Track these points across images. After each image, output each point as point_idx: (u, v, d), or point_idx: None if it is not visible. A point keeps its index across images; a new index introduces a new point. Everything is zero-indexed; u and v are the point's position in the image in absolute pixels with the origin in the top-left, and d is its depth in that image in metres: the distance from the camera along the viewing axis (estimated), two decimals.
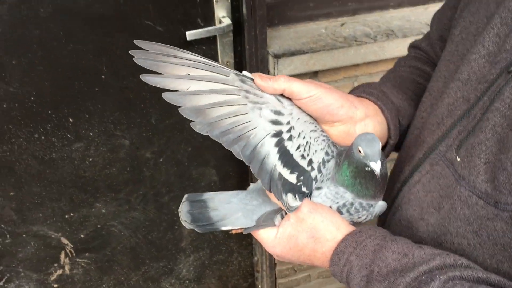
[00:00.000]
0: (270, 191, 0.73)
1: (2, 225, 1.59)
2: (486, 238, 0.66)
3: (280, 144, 0.73)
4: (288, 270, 2.11)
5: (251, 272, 2.11)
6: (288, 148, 0.73)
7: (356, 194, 0.75)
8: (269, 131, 0.73)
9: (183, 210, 0.80)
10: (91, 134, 1.55)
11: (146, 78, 0.69)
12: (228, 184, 1.81)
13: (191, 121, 0.70)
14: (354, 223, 0.78)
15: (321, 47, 1.61)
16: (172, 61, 0.70)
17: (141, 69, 1.60)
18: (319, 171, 0.75)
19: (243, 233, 0.81)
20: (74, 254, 1.74)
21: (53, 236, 1.67)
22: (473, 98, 0.71)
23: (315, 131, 0.76)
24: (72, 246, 1.72)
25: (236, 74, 0.73)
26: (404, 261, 0.66)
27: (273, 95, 0.74)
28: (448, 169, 0.71)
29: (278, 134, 0.73)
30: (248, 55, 1.54)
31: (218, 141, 0.71)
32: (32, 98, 1.44)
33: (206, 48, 1.53)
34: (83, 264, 1.78)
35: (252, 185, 0.84)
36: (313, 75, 1.67)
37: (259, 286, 2.15)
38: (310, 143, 0.75)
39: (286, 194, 0.73)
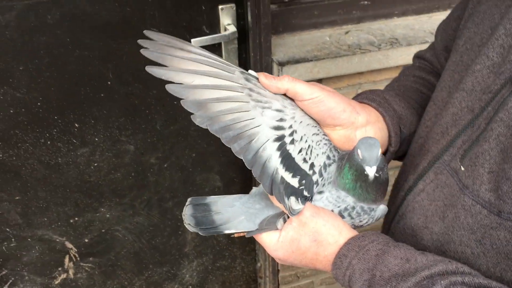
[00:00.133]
0: (271, 194, 0.73)
1: (8, 229, 1.60)
2: (489, 247, 0.67)
3: (282, 148, 0.73)
4: (291, 277, 2.11)
5: (254, 278, 2.11)
6: (290, 151, 0.74)
7: (357, 198, 0.75)
8: (271, 136, 0.73)
9: (187, 213, 0.81)
10: (96, 139, 1.56)
11: (152, 70, 0.69)
12: (232, 190, 1.82)
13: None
14: (355, 227, 0.78)
15: (325, 55, 1.62)
16: (178, 54, 0.70)
17: (146, 74, 1.62)
18: (320, 175, 0.76)
19: (246, 236, 0.81)
20: (78, 258, 1.75)
21: (57, 240, 1.69)
22: (477, 108, 0.72)
23: (318, 134, 0.77)
24: (76, 250, 1.73)
25: (241, 72, 0.73)
26: (406, 266, 0.66)
27: (277, 94, 0.74)
28: (453, 178, 0.72)
29: (280, 138, 0.73)
30: (253, 63, 1.55)
31: (217, 135, 0.71)
32: (39, 104, 1.45)
33: None
34: (87, 269, 1.79)
35: (254, 189, 0.84)
36: (317, 82, 1.68)
37: None
38: (312, 146, 0.76)
39: (288, 198, 0.73)
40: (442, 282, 0.63)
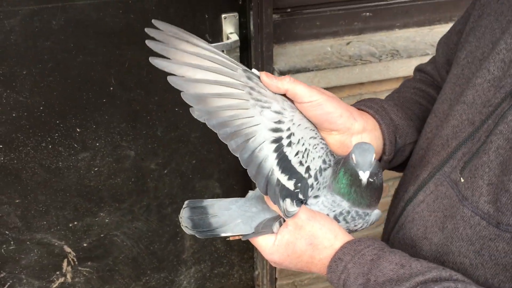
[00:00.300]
0: (266, 194, 0.74)
1: (7, 232, 1.61)
2: (488, 258, 0.67)
3: (279, 150, 0.74)
4: (289, 285, 2.11)
5: (252, 285, 2.12)
6: (287, 154, 0.74)
7: (352, 203, 0.76)
8: (268, 137, 0.73)
9: (184, 216, 0.81)
10: (97, 144, 1.57)
11: (155, 61, 0.69)
12: (231, 197, 1.82)
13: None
14: (350, 231, 0.79)
15: (326, 65, 1.63)
16: (183, 47, 0.71)
17: (149, 81, 1.62)
18: (316, 178, 0.76)
19: (242, 239, 0.81)
20: (76, 263, 1.75)
21: (56, 244, 1.69)
22: (477, 121, 0.73)
23: (315, 138, 0.77)
24: (74, 254, 1.73)
25: (244, 70, 0.73)
26: (401, 272, 0.67)
27: (276, 95, 0.75)
28: (452, 190, 0.73)
29: (277, 140, 0.74)
30: None
31: (214, 130, 0.71)
32: (41, 108, 1.46)
33: None
34: (84, 273, 1.79)
35: (251, 192, 0.84)
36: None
37: None
38: (309, 150, 0.76)
39: (283, 200, 0.74)
40: (435, 287, 0.64)
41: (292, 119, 0.75)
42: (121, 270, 1.83)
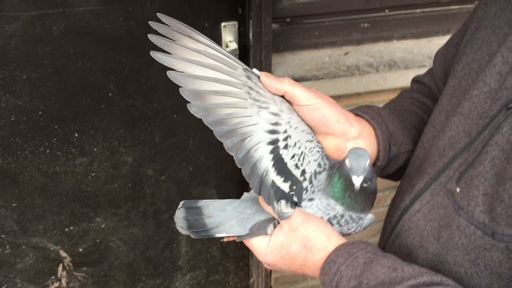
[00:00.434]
0: (259, 194, 0.74)
1: (3, 236, 1.61)
2: (483, 268, 0.68)
3: (275, 152, 0.74)
4: None
5: None
6: (283, 156, 0.75)
7: (346, 207, 0.76)
8: (265, 138, 0.74)
9: (179, 216, 0.81)
10: (95, 149, 1.58)
11: (156, 55, 0.70)
12: None
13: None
14: (343, 235, 0.79)
15: (324, 75, 1.64)
16: (184, 43, 0.71)
17: (148, 88, 1.63)
18: (310, 182, 0.77)
19: (236, 240, 0.82)
20: (71, 268, 1.75)
21: (52, 248, 1.69)
22: (474, 132, 0.74)
23: (311, 141, 0.78)
24: (70, 259, 1.73)
25: (244, 70, 0.74)
26: (393, 275, 0.68)
27: (275, 96, 0.75)
28: (448, 200, 0.74)
29: (274, 141, 0.74)
30: None
31: (210, 127, 0.72)
32: (40, 112, 1.47)
33: None
34: (80, 278, 1.79)
35: (245, 194, 0.85)
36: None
37: None
38: (305, 153, 0.76)
39: (277, 201, 0.74)
40: None
41: (289, 122, 0.76)
42: (116, 275, 1.83)
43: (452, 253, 0.71)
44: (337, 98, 1.71)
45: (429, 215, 0.76)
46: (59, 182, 1.59)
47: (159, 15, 0.70)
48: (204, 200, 0.83)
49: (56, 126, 1.50)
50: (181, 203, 0.83)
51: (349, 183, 0.73)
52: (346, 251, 0.73)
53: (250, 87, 0.73)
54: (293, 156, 0.75)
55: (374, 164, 0.87)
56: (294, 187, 0.75)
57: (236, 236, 0.81)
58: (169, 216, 1.78)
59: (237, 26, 1.53)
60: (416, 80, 1.05)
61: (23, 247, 1.65)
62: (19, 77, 1.40)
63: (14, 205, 1.57)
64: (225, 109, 0.72)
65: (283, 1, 1.70)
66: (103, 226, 1.71)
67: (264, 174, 0.73)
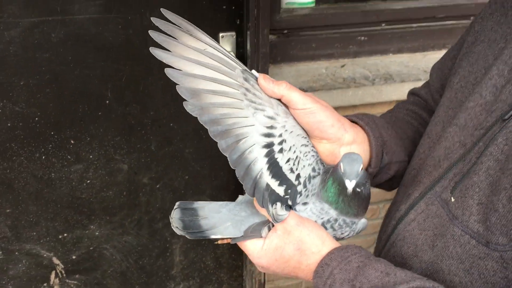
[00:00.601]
0: (252, 196, 0.74)
1: None
2: (477, 277, 0.68)
3: (270, 155, 0.74)
4: None
5: None
6: (278, 160, 0.75)
7: (340, 211, 0.77)
8: (260, 141, 0.74)
9: (175, 217, 0.82)
10: (91, 156, 1.58)
11: (155, 52, 0.70)
12: None
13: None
14: (337, 239, 0.80)
15: (320, 87, 1.66)
16: (184, 40, 0.71)
17: (145, 96, 1.64)
18: (304, 186, 0.77)
19: (231, 243, 0.82)
20: (64, 275, 1.74)
21: (45, 255, 1.68)
22: (469, 143, 0.75)
23: (306, 145, 0.78)
24: (63, 266, 1.72)
25: (242, 71, 0.73)
26: (386, 280, 0.68)
27: (271, 99, 0.75)
28: (443, 209, 0.74)
29: (269, 145, 0.74)
30: None
31: (205, 126, 0.72)
32: (36, 119, 1.47)
33: None
34: (72, 286, 1.78)
35: (240, 197, 0.85)
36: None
37: None
38: (300, 157, 0.77)
39: (272, 204, 0.74)
40: None
41: (285, 126, 0.76)
42: (109, 284, 1.82)
43: (447, 262, 0.72)
44: None
45: (424, 224, 0.77)
46: (54, 189, 1.58)
47: (162, 10, 0.70)
48: (199, 202, 0.84)
49: (52, 133, 1.50)
50: (176, 204, 0.83)
51: (342, 188, 0.74)
52: (339, 255, 0.73)
53: (246, 89, 0.73)
54: (288, 160, 0.75)
55: (366, 170, 0.87)
56: (289, 190, 0.76)
57: (231, 238, 0.81)
58: (164, 225, 1.78)
59: (235, 36, 1.54)
60: (412, 93, 1.06)
61: (16, 253, 1.64)
62: (17, 83, 1.41)
63: (8, 211, 1.57)
64: (221, 109, 0.72)
65: (281, 13, 1.72)
66: (97, 233, 1.71)
67: (258, 176, 0.74)
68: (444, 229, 0.73)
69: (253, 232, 0.79)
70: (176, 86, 0.71)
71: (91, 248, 1.73)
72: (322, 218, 0.77)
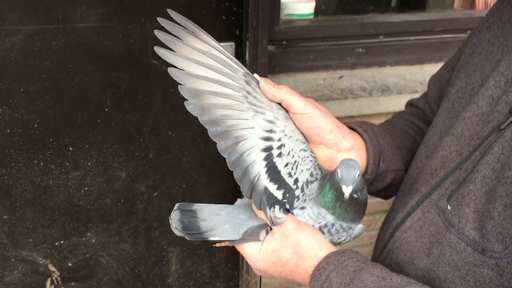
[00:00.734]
0: (249, 198, 0.75)
1: None
2: (473, 284, 0.69)
3: (268, 159, 0.75)
4: None
5: None
6: (276, 164, 0.76)
7: (337, 217, 0.78)
8: (259, 145, 0.75)
9: (174, 218, 0.82)
10: (89, 164, 1.58)
11: (159, 51, 0.71)
12: None
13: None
14: (333, 244, 0.80)
15: (318, 97, 1.67)
16: (189, 41, 0.72)
17: (144, 104, 1.64)
18: (302, 190, 0.78)
19: (229, 245, 0.82)
20: (60, 282, 1.74)
21: (41, 262, 1.68)
22: (465, 152, 0.76)
23: (305, 150, 0.79)
24: (59, 274, 1.72)
25: (244, 74, 0.75)
26: (382, 284, 0.69)
27: (272, 103, 0.76)
28: (439, 217, 0.75)
29: (268, 149, 0.75)
30: None
31: (205, 126, 0.73)
32: (36, 125, 1.48)
33: None
34: None
35: (239, 200, 0.86)
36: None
37: None
38: (298, 162, 0.78)
39: (270, 207, 0.75)
40: None
41: (284, 130, 0.77)
42: None
43: (443, 269, 0.72)
44: None
45: (420, 232, 0.78)
46: (51, 196, 1.59)
47: (169, 11, 0.71)
48: (199, 204, 0.85)
49: (51, 139, 1.51)
50: (176, 205, 0.84)
51: (339, 194, 0.75)
52: (336, 259, 0.74)
53: (248, 92, 0.74)
54: (286, 165, 0.76)
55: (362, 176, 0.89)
56: (287, 194, 0.77)
57: (229, 240, 0.82)
58: (161, 233, 1.78)
59: (234, 47, 1.55)
60: (410, 104, 1.07)
61: (12, 260, 1.64)
62: (17, 89, 1.41)
63: (5, 217, 1.57)
64: (221, 110, 0.73)
65: (280, 24, 1.73)
66: (93, 241, 1.71)
67: (256, 179, 0.75)
68: (441, 237, 0.73)
69: (251, 235, 0.80)
70: (178, 86, 0.72)
71: (87, 256, 1.73)
72: (319, 223, 0.78)
